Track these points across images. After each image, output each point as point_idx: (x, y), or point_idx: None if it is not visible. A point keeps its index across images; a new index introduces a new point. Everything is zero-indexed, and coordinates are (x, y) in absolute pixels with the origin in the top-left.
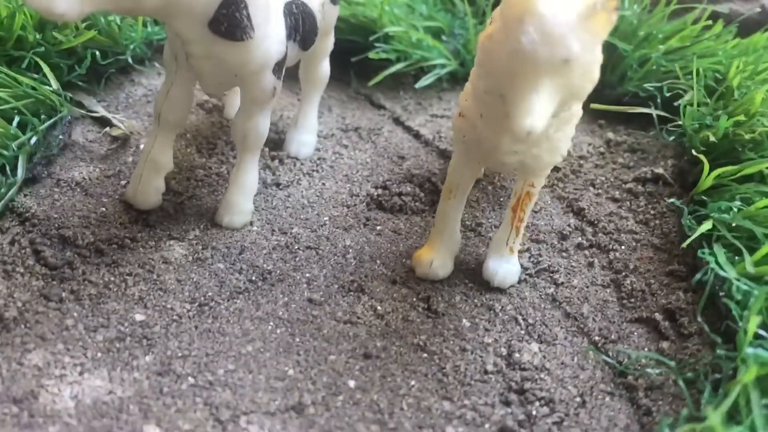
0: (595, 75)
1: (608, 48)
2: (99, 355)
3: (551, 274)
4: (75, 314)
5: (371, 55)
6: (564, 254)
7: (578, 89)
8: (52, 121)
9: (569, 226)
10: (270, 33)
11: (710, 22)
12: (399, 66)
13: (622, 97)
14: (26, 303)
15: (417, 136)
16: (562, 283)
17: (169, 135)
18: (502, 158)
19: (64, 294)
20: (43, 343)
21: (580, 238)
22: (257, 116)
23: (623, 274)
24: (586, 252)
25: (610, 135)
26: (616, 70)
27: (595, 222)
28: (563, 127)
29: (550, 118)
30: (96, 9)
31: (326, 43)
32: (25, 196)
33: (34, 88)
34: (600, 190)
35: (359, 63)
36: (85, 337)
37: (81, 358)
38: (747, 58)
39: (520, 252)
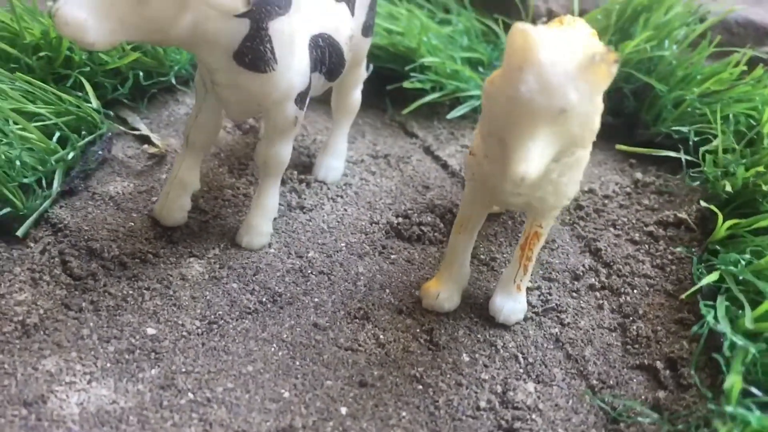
0: (596, 124)
1: (645, 88)
2: (108, 365)
3: (558, 314)
4: (91, 324)
5: (406, 84)
6: (574, 294)
7: (577, 138)
8: (90, 137)
9: (584, 266)
10: (293, 65)
11: (745, 67)
12: (433, 96)
13: (655, 137)
14: (48, 311)
15: (445, 166)
16: (569, 323)
17: (197, 156)
18: (507, 198)
19: (84, 304)
20: (59, 350)
21: (593, 279)
22: (279, 144)
23: (631, 318)
24: (597, 294)
25: (639, 175)
26: (651, 111)
27: (611, 263)
28: (567, 172)
29: (550, 164)
30: (125, 39)
31: (357, 73)
32: (61, 207)
33: (77, 106)
34: (620, 231)
35: (396, 91)
36: (98, 347)
37: (91, 367)
38: None
39: (530, 289)
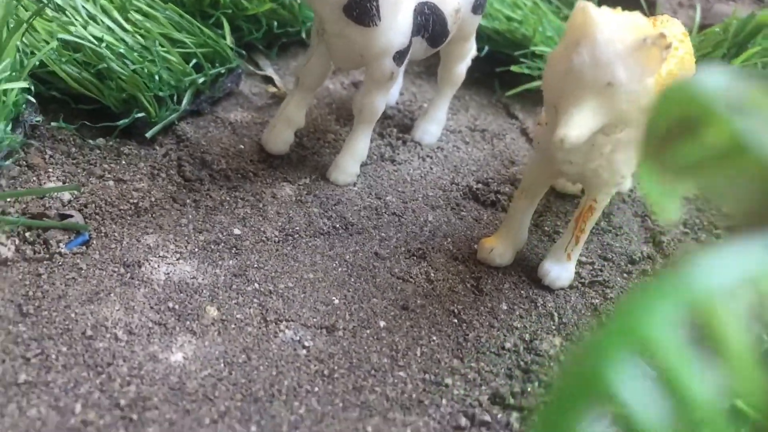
0: (644, 103)
1: None
2: (196, 250)
3: (604, 288)
4: (190, 216)
5: (513, 68)
6: (625, 275)
7: (625, 114)
8: (221, 69)
9: (642, 253)
10: (395, 25)
11: None
12: (539, 83)
13: None
14: (158, 199)
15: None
16: (611, 298)
17: (305, 96)
18: (561, 166)
19: (188, 200)
20: (159, 231)
21: (648, 266)
22: (374, 94)
23: None
24: (648, 279)
25: None
26: None
27: (669, 256)
28: (622, 149)
29: (600, 137)
30: None
31: (463, 48)
32: (187, 123)
33: (215, 41)
34: (689, 230)
35: (506, 74)
36: (191, 234)
37: (182, 248)
38: None
39: (583, 263)
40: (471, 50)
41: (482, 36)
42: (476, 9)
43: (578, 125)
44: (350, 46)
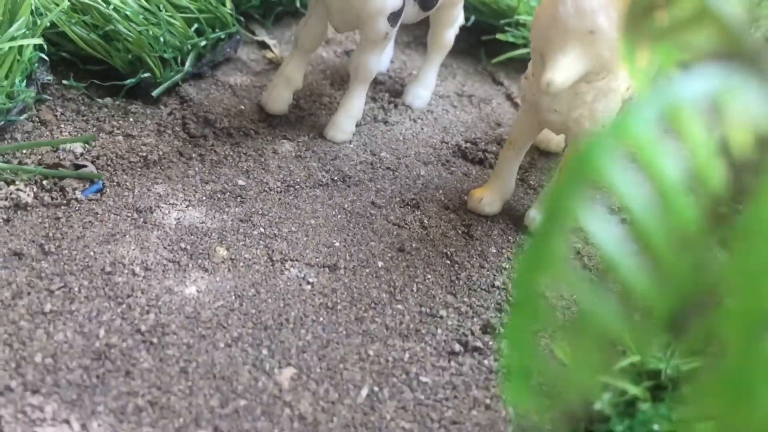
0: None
1: None
2: (204, 198)
3: (585, 233)
4: (196, 169)
5: (499, 36)
6: None
7: (606, 61)
8: (220, 33)
9: (619, 200)
10: None
11: None
12: (523, 51)
13: None
14: (165, 153)
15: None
16: (591, 243)
17: (303, 58)
18: (545, 115)
19: (193, 154)
20: (168, 181)
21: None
22: (369, 53)
23: None
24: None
25: None
26: None
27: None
28: (602, 98)
29: (583, 85)
30: None
31: (452, 14)
32: (190, 85)
33: (216, 7)
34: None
35: (492, 43)
36: (198, 184)
37: (190, 197)
38: None
39: None
40: (459, 17)
41: (468, 6)
42: None
43: (564, 70)
44: (347, 7)
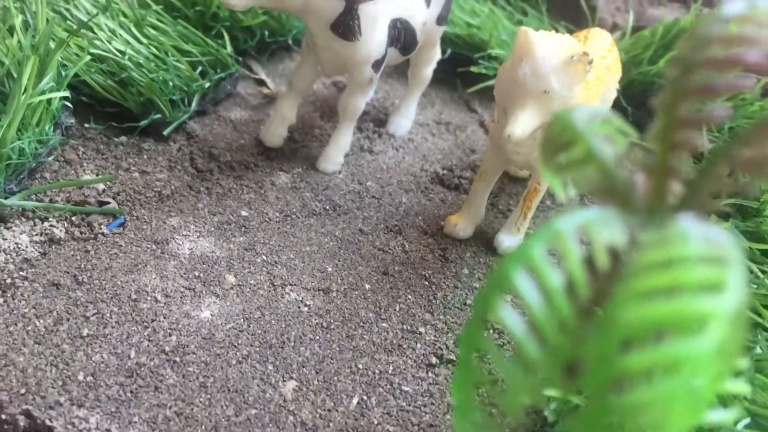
0: (573, 105)
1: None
2: (212, 229)
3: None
4: (204, 201)
5: (473, 68)
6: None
7: None
8: (222, 74)
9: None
10: (374, 39)
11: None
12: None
13: None
14: (177, 188)
15: None
16: (554, 263)
17: (296, 98)
18: (511, 156)
19: (201, 188)
20: (181, 214)
21: (583, 237)
22: (356, 96)
23: None
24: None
25: None
26: None
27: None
28: None
29: (538, 132)
30: (257, 5)
31: (430, 54)
32: (195, 122)
33: (217, 50)
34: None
35: (466, 73)
36: (206, 216)
37: (201, 228)
38: None
39: (528, 233)
40: (436, 55)
41: (445, 40)
42: (440, 21)
43: (522, 123)
44: (336, 56)
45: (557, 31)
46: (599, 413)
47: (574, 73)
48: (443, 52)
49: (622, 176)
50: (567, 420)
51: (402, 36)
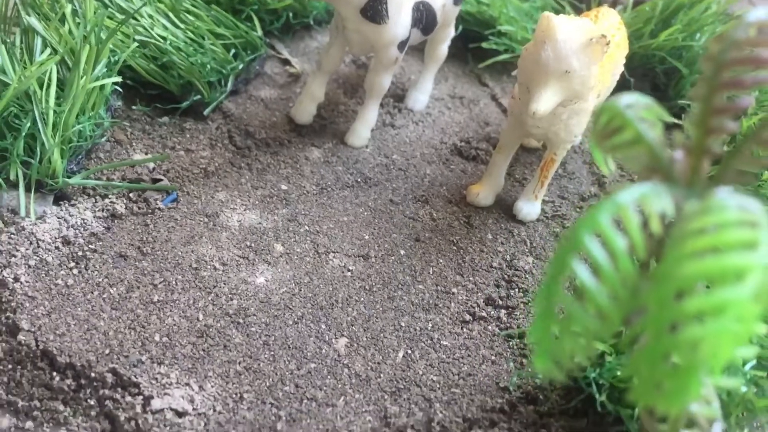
0: (591, 83)
1: (674, 69)
2: (257, 202)
3: (563, 221)
4: (247, 177)
5: (484, 44)
6: (578, 210)
7: (578, 92)
8: (254, 56)
9: (590, 192)
10: (399, 21)
11: None
12: (505, 56)
13: (676, 108)
14: (220, 165)
15: (504, 111)
16: (568, 227)
17: (325, 77)
18: (531, 130)
19: (242, 164)
20: (226, 189)
21: (594, 202)
22: (382, 74)
23: None
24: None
25: None
26: (676, 87)
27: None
28: (575, 116)
29: (558, 108)
30: None
31: (446, 32)
32: (229, 102)
33: (246, 32)
34: (625, 173)
35: (478, 49)
36: (250, 190)
37: (246, 202)
38: None
39: (546, 202)
40: (451, 33)
41: (457, 17)
42: (457, 1)
43: (545, 101)
44: (365, 38)
45: (562, 7)
46: (659, 349)
47: (593, 54)
48: (456, 29)
49: (665, 155)
50: (630, 358)
51: (424, 17)
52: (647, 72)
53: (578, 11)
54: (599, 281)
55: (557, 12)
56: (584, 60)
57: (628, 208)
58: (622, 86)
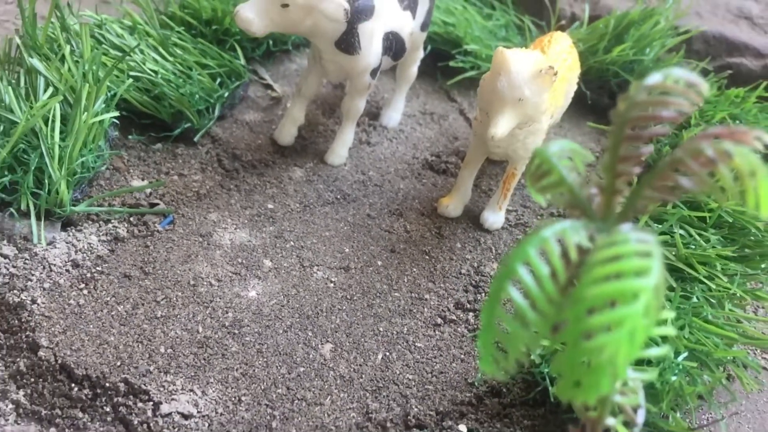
0: (543, 108)
1: (627, 83)
2: (246, 221)
3: (525, 228)
4: (236, 198)
5: (452, 63)
6: (539, 218)
7: (531, 116)
8: (238, 83)
9: (548, 201)
10: (371, 51)
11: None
12: (471, 73)
13: None
14: (211, 187)
15: (471, 124)
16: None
17: (304, 102)
18: (492, 149)
19: (231, 186)
20: (218, 210)
21: (554, 210)
22: (357, 99)
23: None
24: (555, 218)
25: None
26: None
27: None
28: (530, 136)
29: (515, 130)
30: (273, 30)
31: (416, 54)
32: (217, 127)
33: (230, 61)
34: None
35: (446, 67)
36: (239, 210)
37: (236, 221)
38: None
39: (510, 211)
40: (420, 55)
41: (426, 38)
42: (423, 27)
43: (502, 126)
44: (340, 67)
45: (522, 22)
46: (575, 354)
47: (543, 83)
48: (425, 48)
49: (583, 195)
50: (551, 360)
51: (393, 46)
52: (603, 84)
53: (539, 28)
54: (529, 301)
55: (519, 29)
56: (535, 89)
57: (550, 240)
58: (580, 98)
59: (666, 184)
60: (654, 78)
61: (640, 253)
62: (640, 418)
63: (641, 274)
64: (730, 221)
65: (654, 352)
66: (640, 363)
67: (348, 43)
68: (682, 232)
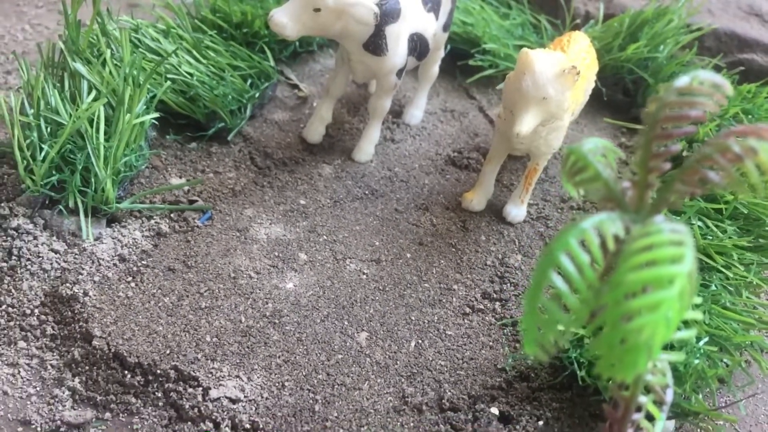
0: (566, 106)
1: (641, 79)
2: (280, 217)
3: (546, 221)
4: (269, 194)
5: (471, 62)
6: (559, 210)
7: (554, 113)
8: (268, 84)
9: (569, 194)
10: (397, 52)
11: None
12: (490, 71)
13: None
14: (246, 184)
15: (491, 121)
16: (552, 227)
17: (332, 101)
18: (515, 145)
19: (264, 183)
20: (252, 206)
21: (574, 203)
22: (384, 98)
23: None
24: (574, 212)
25: (624, 140)
26: (643, 96)
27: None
28: (552, 133)
29: (538, 127)
30: (305, 34)
31: (437, 55)
32: (248, 126)
33: (260, 62)
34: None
35: (465, 65)
36: (273, 206)
37: (271, 217)
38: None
39: (530, 205)
40: (442, 54)
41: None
42: (445, 28)
43: (527, 123)
44: (367, 68)
45: (539, 21)
46: (614, 335)
47: (566, 82)
48: (444, 48)
49: (618, 189)
50: (591, 343)
51: (418, 46)
52: (618, 81)
53: (554, 26)
54: (570, 287)
55: (535, 28)
56: (558, 88)
57: (589, 231)
58: (596, 94)
59: (694, 178)
60: (682, 80)
61: (674, 242)
62: (669, 397)
63: (676, 261)
64: (746, 213)
65: (682, 334)
66: (665, 347)
67: (376, 44)
68: (699, 223)
